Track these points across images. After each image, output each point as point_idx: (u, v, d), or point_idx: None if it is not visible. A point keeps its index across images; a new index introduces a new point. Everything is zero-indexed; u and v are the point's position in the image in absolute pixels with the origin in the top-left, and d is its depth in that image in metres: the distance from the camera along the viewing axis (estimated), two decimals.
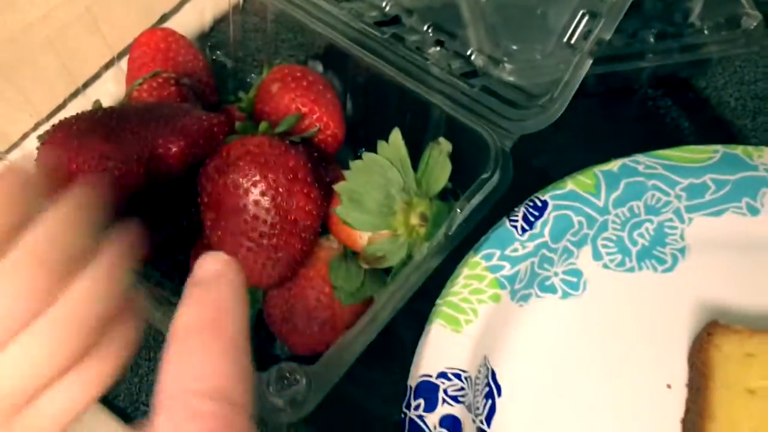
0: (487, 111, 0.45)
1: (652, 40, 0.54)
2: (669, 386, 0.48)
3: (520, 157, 0.45)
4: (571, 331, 0.49)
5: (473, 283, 0.48)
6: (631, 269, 0.52)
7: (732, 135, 0.56)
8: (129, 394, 0.48)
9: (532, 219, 0.50)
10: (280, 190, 0.41)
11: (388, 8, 0.51)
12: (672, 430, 0.45)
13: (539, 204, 0.51)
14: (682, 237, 0.53)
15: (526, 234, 0.50)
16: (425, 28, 0.50)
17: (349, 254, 0.45)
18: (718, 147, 0.53)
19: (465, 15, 0.50)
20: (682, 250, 0.52)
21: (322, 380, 0.36)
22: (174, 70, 0.49)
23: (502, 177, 0.44)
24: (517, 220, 0.50)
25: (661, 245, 0.52)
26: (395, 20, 0.51)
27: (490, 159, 0.43)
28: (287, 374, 0.35)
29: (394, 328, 0.44)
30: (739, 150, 0.53)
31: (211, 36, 0.55)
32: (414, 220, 0.43)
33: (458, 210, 0.42)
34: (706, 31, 0.54)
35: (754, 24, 0.54)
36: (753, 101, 0.59)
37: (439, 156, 0.43)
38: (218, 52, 0.55)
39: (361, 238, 0.44)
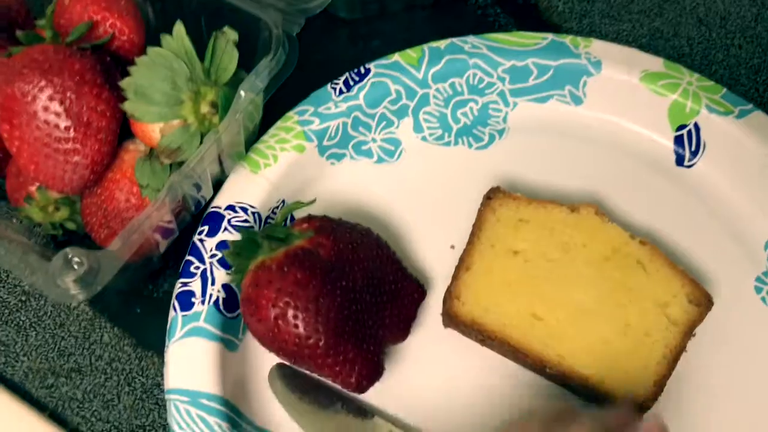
0: (274, 1, 0.47)
1: None
2: (452, 247, 0.50)
3: None
4: (377, 193, 0.52)
5: (281, 133, 0.51)
6: (448, 143, 0.54)
7: None
8: None
9: (351, 83, 0.53)
10: (68, 93, 0.42)
11: None
12: (446, 283, 0.48)
13: (363, 71, 0.53)
14: (504, 120, 0.55)
15: (342, 96, 0.52)
16: None
17: (154, 154, 0.46)
18: (548, 35, 0.54)
19: None
20: (501, 132, 0.54)
21: (107, 261, 0.39)
22: None
23: (287, 59, 0.46)
24: (338, 84, 0.53)
25: (483, 125, 0.54)
26: None
27: (273, 41, 0.46)
28: (73, 258, 0.38)
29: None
30: (567, 39, 0.54)
31: None
32: (204, 108, 0.45)
33: (241, 93, 0.44)
34: None
35: None
36: (580, 4, 0.60)
37: (226, 45, 0.45)
38: None
39: (154, 131, 0.45)
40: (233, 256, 0.43)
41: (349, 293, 0.42)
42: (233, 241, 0.44)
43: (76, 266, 0.38)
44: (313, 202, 0.47)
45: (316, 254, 0.42)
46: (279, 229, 0.44)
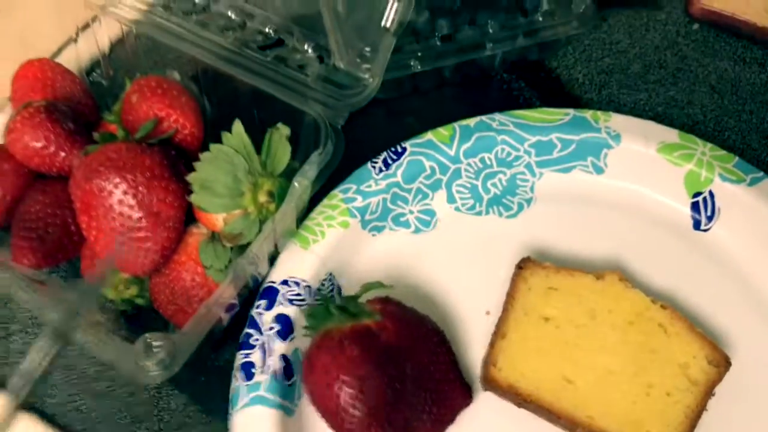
0: (322, 96, 0.53)
1: (494, 29, 0.60)
2: (488, 312, 0.54)
3: None
4: (415, 260, 0.57)
5: (327, 211, 0.56)
6: (479, 213, 0.59)
7: (580, 107, 0.61)
8: None
9: (390, 162, 0.58)
10: (140, 188, 0.47)
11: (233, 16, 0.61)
12: (485, 347, 0.52)
13: (399, 150, 0.58)
14: (531, 189, 0.59)
15: (382, 174, 0.57)
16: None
17: (216, 237, 0.50)
18: (570, 110, 0.59)
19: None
20: (528, 200, 0.59)
21: (184, 344, 0.45)
22: (53, 96, 0.55)
23: (335, 150, 0.51)
24: (377, 162, 0.58)
25: (512, 195, 0.59)
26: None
27: (321, 135, 0.51)
28: (152, 341, 0.44)
29: None
30: (588, 114, 0.59)
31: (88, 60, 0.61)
32: (262, 197, 0.50)
33: (295, 184, 0.49)
34: (540, 18, 0.60)
35: (583, 6, 0.59)
36: (599, 76, 0.64)
37: (280, 139, 0.50)
38: (94, 74, 0.61)
39: (218, 220, 0.50)
40: (309, 317, 0.48)
41: (396, 381, 0.46)
42: (310, 306, 0.49)
43: (156, 350, 0.43)
44: (391, 287, 0.51)
45: (377, 337, 0.47)
46: (353, 303, 0.48)
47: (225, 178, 0.49)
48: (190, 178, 0.49)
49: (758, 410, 0.50)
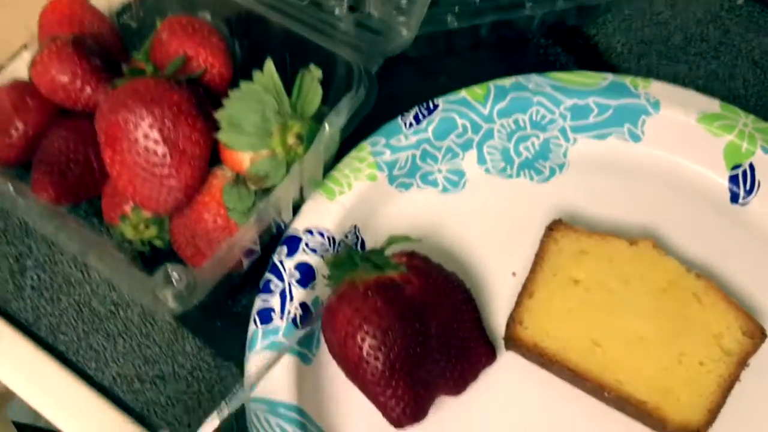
0: (355, 41, 0.51)
1: None
2: (514, 274, 0.53)
3: None
4: (442, 220, 0.55)
5: (355, 162, 0.55)
6: (510, 176, 0.57)
7: None
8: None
9: (421, 117, 0.56)
10: (166, 122, 0.46)
11: None
12: (509, 308, 0.50)
13: (431, 106, 0.57)
14: (564, 155, 0.57)
15: (412, 129, 0.56)
16: None
17: (241, 180, 0.49)
18: (608, 75, 0.57)
19: None
20: (561, 166, 0.57)
21: (203, 279, 0.43)
22: (81, 33, 0.53)
23: (367, 96, 0.49)
24: (408, 117, 0.56)
25: (544, 159, 0.57)
26: None
27: (354, 79, 0.49)
28: (173, 273, 0.42)
29: None
30: (627, 80, 0.57)
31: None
32: (291, 140, 0.48)
33: (326, 126, 0.48)
34: None
35: None
36: (638, 46, 0.62)
37: (312, 81, 0.49)
38: (124, 16, 0.60)
39: (244, 160, 0.48)
40: (332, 267, 0.47)
41: (419, 336, 0.45)
42: (335, 254, 0.47)
43: (175, 282, 0.42)
44: (419, 240, 0.49)
45: (402, 290, 0.45)
46: (378, 255, 0.47)
47: (254, 116, 0.48)
48: (219, 114, 0.48)
49: None
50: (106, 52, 0.55)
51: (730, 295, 0.49)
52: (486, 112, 0.57)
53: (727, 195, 0.55)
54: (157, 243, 0.53)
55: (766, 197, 0.54)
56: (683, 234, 0.53)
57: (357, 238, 0.54)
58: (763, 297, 0.51)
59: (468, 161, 0.57)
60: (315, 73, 0.49)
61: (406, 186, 0.56)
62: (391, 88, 0.61)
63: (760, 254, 0.53)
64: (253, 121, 0.48)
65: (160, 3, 0.60)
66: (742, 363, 0.47)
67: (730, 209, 0.55)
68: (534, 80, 0.57)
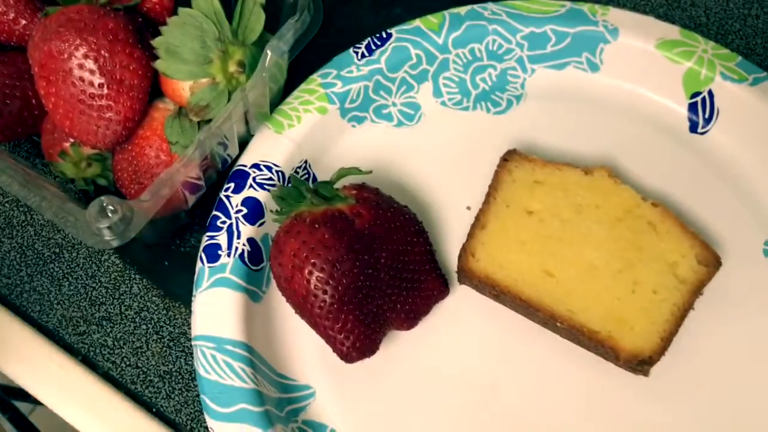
0: None
1: None
2: (469, 208, 0.52)
3: None
4: (397, 154, 0.54)
5: (304, 95, 0.53)
6: (466, 108, 0.55)
7: None
8: None
9: (373, 47, 0.54)
10: (102, 51, 0.44)
11: None
12: (461, 242, 0.49)
13: (384, 36, 0.55)
14: (522, 86, 0.56)
15: (364, 59, 0.54)
16: None
17: (183, 112, 0.47)
18: (566, 2, 0.55)
19: None
20: (518, 97, 0.56)
21: (140, 211, 0.41)
22: None
23: (312, 21, 0.47)
24: (360, 48, 0.54)
25: (501, 90, 0.56)
26: None
27: (297, 3, 0.47)
28: (107, 205, 0.41)
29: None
30: (585, 7, 0.55)
31: None
32: (232, 67, 0.46)
33: (268, 52, 0.46)
34: None
35: None
36: None
37: (253, 6, 0.46)
38: None
39: (184, 89, 0.46)
40: (279, 200, 0.45)
41: (369, 269, 0.44)
42: (282, 187, 0.46)
43: (110, 213, 0.40)
44: (369, 172, 0.48)
45: (351, 222, 0.44)
46: (327, 188, 0.45)
47: (192, 43, 0.46)
48: (156, 42, 0.46)
49: (746, 311, 0.48)
50: None
51: (687, 224, 0.48)
52: (441, 41, 0.55)
53: (687, 124, 0.54)
54: (101, 182, 0.51)
55: (725, 126, 0.53)
56: (642, 164, 0.52)
57: (308, 173, 0.53)
58: (719, 225, 0.50)
59: (423, 94, 0.55)
60: None
61: (360, 120, 0.54)
62: (345, 19, 0.59)
63: (718, 182, 0.52)
64: (191, 48, 0.46)
65: None
66: (697, 292, 0.46)
67: (689, 139, 0.54)
68: (490, 8, 0.55)
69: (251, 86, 0.46)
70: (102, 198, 0.41)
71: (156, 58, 0.46)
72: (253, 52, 0.46)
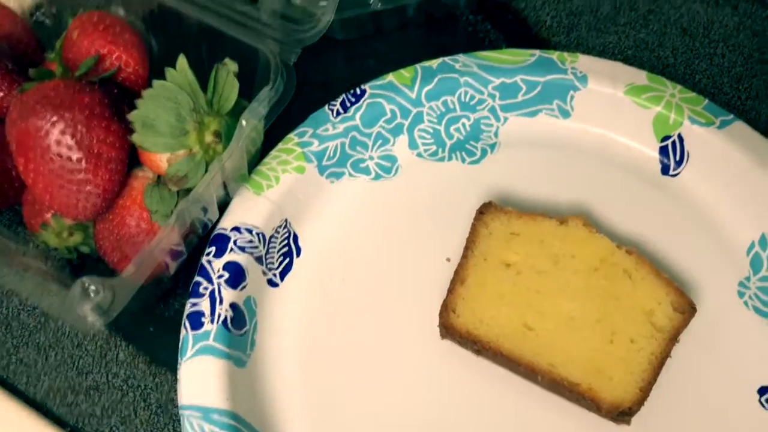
0: (272, 31, 0.49)
1: None
2: (449, 259, 0.53)
3: None
4: (376, 208, 0.55)
5: (282, 155, 0.54)
6: (442, 159, 0.56)
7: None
8: None
9: (348, 105, 0.55)
10: (79, 127, 0.44)
11: None
12: (443, 295, 0.50)
13: (358, 92, 0.56)
14: (495, 134, 0.57)
15: (339, 116, 0.55)
16: None
17: (162, 181, 0.48)
18: (536, 51, 0.56)
19: None
20: (492, 146, 0.57)
21: (123, 289, 0.42)
22: None
23: (286, 87, 0.48)
24: (335, 105, 0.55)
25: (475, 140, 0.57)
26: None
27: (271, 71, 0.48)
28: (90, 286, 0.41)
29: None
30: (554, 55, 0.56)
31: None
32: (208, 137, 0.47)
33: (243, 122, 0.46)
34: None
35: None
36: (568, 18, 0.62)
37: (227, 76, 0.47)
38: (38, 14, 0.57)
39: (162, 161, 0.47)
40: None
41: None
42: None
43: (92, 294, 0.41)
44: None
45: None
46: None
47: (168, 116, 0.46)
48: (131, 116, 0.47)
49: (723, 357, 0.49)
50: (20, 53, 0.53)
51: (662, 268, 0.49)
52: (414, 95, 0.56)
53: (658, 167, 0.55)
54: (84, 249, 0.52)
55: (696, 168, 0.54)
56: (616, 208, 0.53)
57: (288, 232, 0.53)
58: (693, 268, 0.51)
59: (399, 146, 0.56)
60: (230, 66, 0.48)
61: (338, 175, 0.55)
62: (320, 74, 0.60)
63: (691, 225, 0.53)
64: (167, 120, 0.46)
65: None
66: (674, 339, 0.47)
67: (661, 181, 0.55)
68: (461, 60, 0.56)
69: (228, 156, 0.46)
70: (83, 279, 0.41)
71: (133, 130, 0.47)
72: (228, 121, 0.47)
